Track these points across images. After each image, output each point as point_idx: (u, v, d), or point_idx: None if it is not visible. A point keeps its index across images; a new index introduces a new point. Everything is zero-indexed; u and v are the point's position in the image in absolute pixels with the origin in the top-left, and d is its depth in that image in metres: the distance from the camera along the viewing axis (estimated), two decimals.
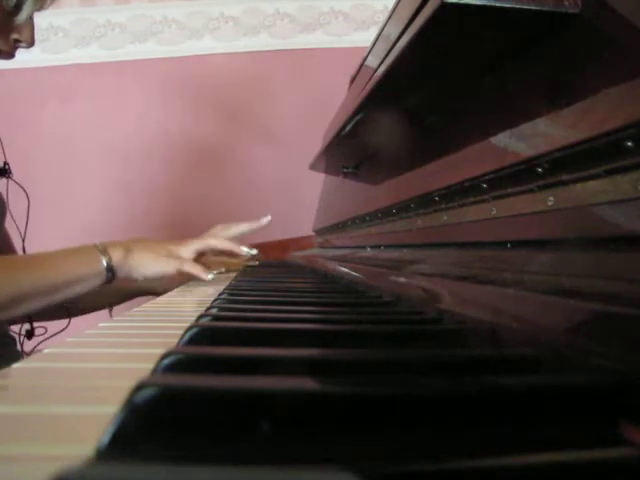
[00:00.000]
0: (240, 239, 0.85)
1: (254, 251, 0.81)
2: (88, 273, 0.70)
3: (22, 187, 0.89)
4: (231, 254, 0.85)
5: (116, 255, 0.72)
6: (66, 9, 1.63)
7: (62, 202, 1.60)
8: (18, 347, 0.84)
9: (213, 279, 0.75)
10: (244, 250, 0.81)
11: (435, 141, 0.50)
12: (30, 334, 0.84)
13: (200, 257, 0.80)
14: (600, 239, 0.24)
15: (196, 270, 0.75)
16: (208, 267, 0.78)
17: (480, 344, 0.27)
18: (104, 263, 0.70)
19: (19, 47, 0.82)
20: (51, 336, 0.86)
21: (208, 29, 1.63)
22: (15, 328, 0.85)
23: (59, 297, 0.68)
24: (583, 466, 0.13)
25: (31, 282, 0.65)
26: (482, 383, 0.18)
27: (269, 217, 0.87)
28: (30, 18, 0.79)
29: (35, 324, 0.85)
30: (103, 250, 0.71)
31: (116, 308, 0.96)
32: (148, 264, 0.74)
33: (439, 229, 0.45)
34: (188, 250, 0.78)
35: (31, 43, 0.82)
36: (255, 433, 0.15)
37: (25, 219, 0.89)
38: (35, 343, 0.82)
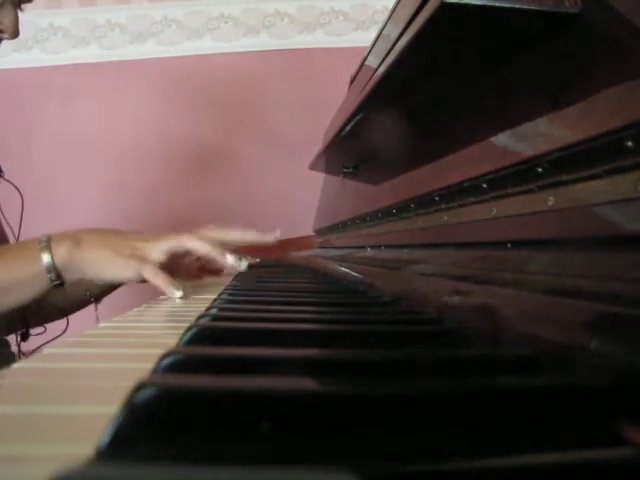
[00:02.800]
0: (230, 246, 0.64)
1: (243, 265, 0.60)
2: (24, 275, 0.57)
3: (15, 186, 0.88)
4: (211, 262, 0.66)
5: (60, 252, 0.56)
6: (66, 9, 1.63)
7: (60, 202, 1.60)
8: (12, 349, 0.82)
9: (180, 298, 0.54)
10: (229, 260, 0.59)
11: (435, 141, 0.50)
12: (25, 336, 0.82)
13: (173, 260, 0.60)
14: (600, 239, 0.24)
15: (158, 280, 0.55)
16: (176, 276, 0.59)
17: (480, 344, 0.27)
18: (44, 262, 0.56)
19: (1, 38, 0.74)
20: (49, 340, 0.85)
21: (208, 29, 1.63)
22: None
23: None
24: (583, 466, 0.13)
25: None
26: (482, 383, 0.18)
27: (277, 232, 0.65)
28: (12, 6, 0.72)
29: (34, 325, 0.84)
30: (45, 246, 0.56)
31: (116, 308, 0.94)
32: (101, 265, 0.57)
33: (439, 229, 0.45)
34: (156, 249, 0.58)
35: (13, 33, 0.74)
36: (255, 433, 0.15)
37: (19, 219, 0.87)
38: (34, 344, 0.82)
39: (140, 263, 0.57)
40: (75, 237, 0.58)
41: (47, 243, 0.57)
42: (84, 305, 0.87)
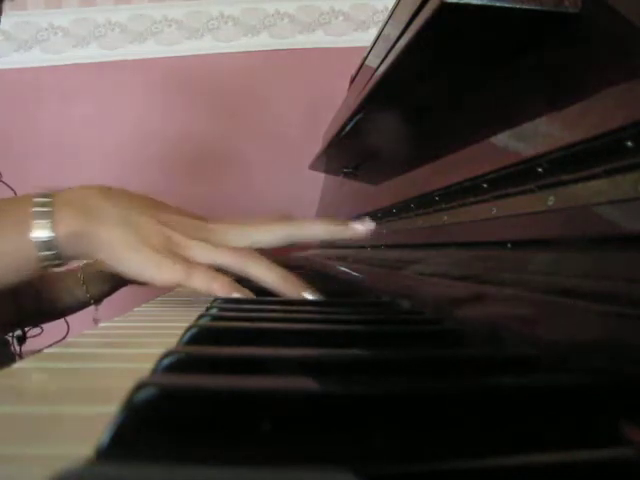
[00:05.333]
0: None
1: (308, 295, 0.43)
2: (7, 249, 0.39)
3: (12, 188, 0.87)
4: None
5: (66, 226, 0.39)
6: (66, 9, 1.63)
7: None
8: (11, 349, 0.82)
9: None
10: (297, 294, 0.43)
11: (435, 141, 0.50)
12: (21, 339, 0.80)
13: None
14: (600, 239, 0.24)
15: (216, 286, 0.40)
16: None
17: (480, 344, 0.27)
18: (39, 236, 0.39)
19: None
20: (51, 344, 0.84)
21: (208, 29, 1.63)
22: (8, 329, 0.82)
23: None
24: (583, 466, 0.13)
25: None
26: (482, 383, 0.18)
27: (372, 224, 0.46)
28: None
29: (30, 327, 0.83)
30: (43, 212, 0.39)
31: (116, 308, 0.93)
32: (124, 256, 0.40)
33: (439, 229, 0.45)
34: (206, 255, 0.42)
35: None
36: (255, 433, 0.15)
37: None
38: (35, 345, 0.82)
39: (181, 265, 0.40)
40: (88, 206, 0.41)
41: (47, 209, 0.39)
42: (84, 306, 0.83)
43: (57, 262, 0.41)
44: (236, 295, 0.40)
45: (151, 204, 0.45)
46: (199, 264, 0.41)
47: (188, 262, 0.41)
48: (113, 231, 0.41)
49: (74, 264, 0.79)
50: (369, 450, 0.15)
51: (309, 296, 0.43)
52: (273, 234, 0.45)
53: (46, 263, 0.41)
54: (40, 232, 0.39)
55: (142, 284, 0.53)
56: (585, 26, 0.27)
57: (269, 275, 0.43)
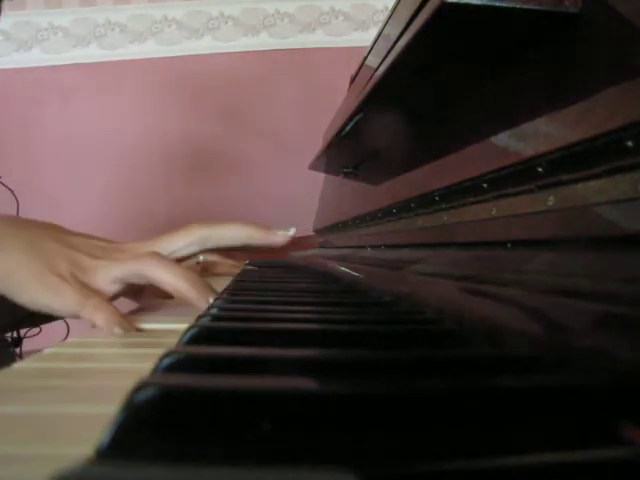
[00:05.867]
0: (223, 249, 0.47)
1: (210, 299, 0.40)
2: None
3: (11, 190, 0.87)
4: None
5: None
6: (66, 9, 1.63)
7: (60, 202, 1.60)
8: (11, 349, 0.81)
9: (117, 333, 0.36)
10: (201, 298, 0.39)
11: (435, 141, 0.50)
12: (17, 342, 0.79)
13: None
14: (600, 239, 0.24)
15: (97, 317, 0.36)
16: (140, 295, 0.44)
17: (480, 344, 0.27)
18: None
19: None
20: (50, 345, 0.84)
21: (208, 29, 1.63)
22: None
23: None
24: (583, 466, 0.13)
25: None
26: (482, 383, 0.18)
27: (292, 231, 0.47)
28: None
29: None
30: None
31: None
32: (28, 285, 0.37)
33: (439, 229, 0.45)
34: (105, 275, 0.40)
35: None
36: (255, 433, 0.15)
37: None
38: (35, 345, 0.82)
39: (79, 293, 0.37)
40: None
41: None
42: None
43: None
44: (116, 330, 0.36)
45: (57, 229, 0.42)
46: (95, 294, 0.38)
47: (87, 291, 0.38)
48: (17, 258, 0.37)
49: None
50: (369, 450, 0.15)
51: (204, 304, 0.40)
52: (181, 240, 0.44)
53: None
54: None
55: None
56: (585, 26, 0.27)
57: (172, 279, 0.39)
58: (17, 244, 0.38)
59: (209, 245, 0.45)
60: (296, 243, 0.49)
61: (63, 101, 1.64)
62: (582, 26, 0.28)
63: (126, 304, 0.71)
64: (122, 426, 0.14)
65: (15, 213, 0.86)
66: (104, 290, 0.40)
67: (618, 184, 0.23)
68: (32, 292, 0.37)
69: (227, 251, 0.48)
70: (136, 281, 0.41)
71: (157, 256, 0.40)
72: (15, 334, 0.80)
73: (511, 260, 0.30)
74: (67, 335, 0.87)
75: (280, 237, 0.46)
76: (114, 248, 0.43)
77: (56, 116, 1.63)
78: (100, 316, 0.36)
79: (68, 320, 0.88)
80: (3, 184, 0.85)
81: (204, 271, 0.73)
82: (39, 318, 0.80)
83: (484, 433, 0.16)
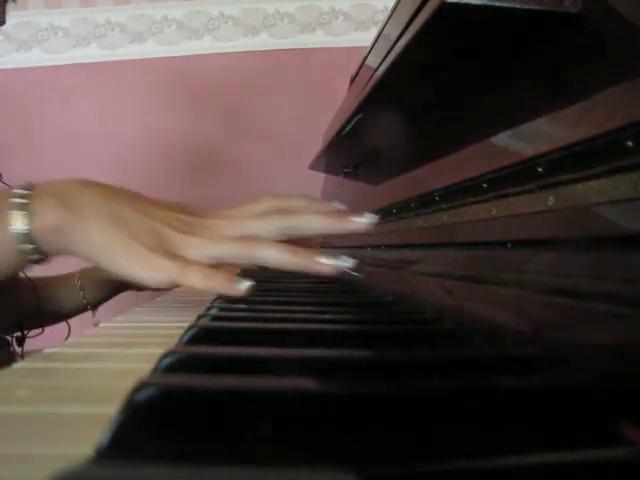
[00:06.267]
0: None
1: (347, 263, 0.39)
2: None
3: (12, 188, 0.87)
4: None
5: (43, 217, 0.38)
6: (66, 9, 1.63)
7: None
8: (11, 349, 0.81)
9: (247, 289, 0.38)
10: (325, 264, 0.39)
11: (435, 141, 0.50)
12: (20, 340, 0.80)
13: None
14: (600, 239, 0.24)
15: (214, 283, 0.38)
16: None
17: (480, 344, 0.27)
18: (16, 229, 0.37)
19: None
20: (51, 345, 0.83)
21: (208, 29, 1.63)
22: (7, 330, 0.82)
23: None
24: (583, 466, 0.13)
25: None
26: (482, 383, 0.18)
27: (375, 217, 0.42)
28: None
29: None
30: (22, 203, 0.38)
31: (116, 308, 0.93)
32: (108, 250, 0.38)
33: (439, 229, 0.45)
34: (202, 251, 0.39)
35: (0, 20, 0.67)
36: (255, 433, 0.15)
37: None
38: (35, 345, 0.81)
39: (172, 262, 0.37)
40: (67, 196, 0.38)
41: (25, 201, 0.38)
42: (81, 311, 0.82)
43: (37, 257, 0.39)
44: (237, 288, 0.37)
45: (141, 198, 0.42)
46: (194, 261, 0.38)
47: (182, 259, 0.38)
48: (96, 224, 0.38)
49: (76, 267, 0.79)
50: (369, 450, 0.15)
51: (325, 261, 0.39)
52: (270, 226, 0.42)
53: (27, 257, 0.39)
54: (17, 224, 0.37)
55: (141, 289, 0.50)
56: (585, 26, 0.27)
57: (280, 256, 0.39)
58: (94, 209, 0.38)
59: (287, 234, 0.43)
60: (296, 243, 0.48)
61: (63, 101, 1.63)
62: (582, 26, 0.28)
63: (126, 304, 0.71)
64: (122, 426, 0.14)
65: None
66: (198, 261, 0.39)
67: (618, 184, 0.23)
68: (119, 263, 0.38)
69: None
70: (230, 261, 0.40)
71: (255, 238, 0.40)
72: (20, 333, 0.80)
73: (511, 260, 0.30)
74: (68, 334, 0.87)
75: (361, 222, 0.41)
76: (197, 224, 0.41)
77: (56, 116, 1.63)
78: (215, 280, 0.37)
79: (69, 320, 0.88)
80: (5, 183, 0.85)
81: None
82: (43, 319, 0.80)
83: (484, 433, 0.16)
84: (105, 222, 0.38)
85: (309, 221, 0.42)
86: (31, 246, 0.38)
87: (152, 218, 0.40)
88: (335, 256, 0.40)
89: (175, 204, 0.43)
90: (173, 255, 0.38)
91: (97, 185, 0.41)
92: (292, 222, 0.42)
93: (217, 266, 0.40)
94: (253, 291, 0.39)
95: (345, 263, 0.40)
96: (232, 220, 0.43)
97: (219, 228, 0.42)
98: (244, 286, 0.38)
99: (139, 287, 0.64)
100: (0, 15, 0.70)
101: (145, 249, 0.37)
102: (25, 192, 0.39)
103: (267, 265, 0.40)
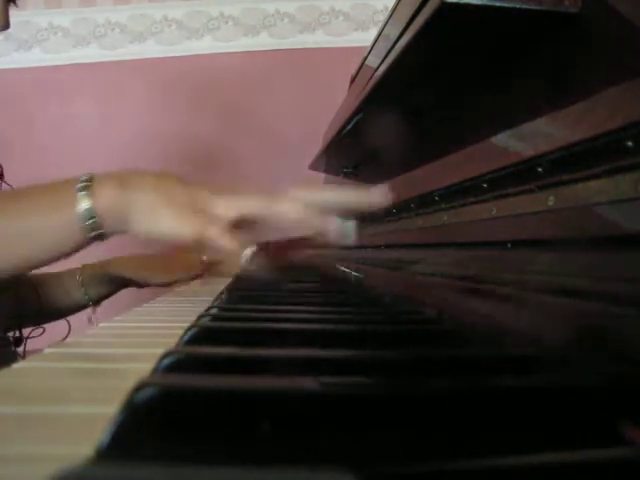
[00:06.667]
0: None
1: (350, 227, 0.46)
2: (55, 221, 0.45)
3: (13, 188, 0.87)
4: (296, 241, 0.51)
5: (103, 195, 0.45)
6: (66, 9, 1.63)
7: None
8: (12, 348, 0.81)
9: (247, 260, 0.47)
10: (334, 226, 0.45)
11: (435, 141, 0.50)
12: (18, 341, 0.80)
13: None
14: (600, 239, 0.24)
15: (226, 242, 0.43)
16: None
17: (480, 344, 0.27)
18: (82, 207, 0.44)
19: None
20: (51, 345, 0.83)
21: (208, 29, 1.63)
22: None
23: (24, 254, 0.47)
24: (583, 466, 0.13)
25: None
26: (482, 383, 0.18)
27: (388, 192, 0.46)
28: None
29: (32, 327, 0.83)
30: (85, 186, 0.45)
31: (116, 308, 0.92)
32: (154, 215, 0.45)
33: (439, 229, 0.45)
34: (226, 205, 0.46)
35: (2, 25, 0.70)
36: (255, 433, 0.15)
37: None
38: (35, 345, 0.81)
39: (203, 222, 0.44)
40: (122, 178, 0.47)
41: (88, 183, 0.45)
42: (82, 308, 0.83)
43: (99, 232, 0.45)
44: (244, 251, 0.45)
45: (176, 176, 0.49)
46: (217, 220, 0.45)
47: (208, 219, 0.45)
48: (147, 196, 0.46)
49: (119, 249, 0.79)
50: (369, 450, 0.15)
51: (331, 224, 0.45)
52: (302, 198, 0.47)
53: (89, 235, 0.45)
54: (83, 203, 0.44)
55: (141, 286, 0.53)
56: (585, 26, 0.27)
57: (294, 210, 0.45)
58: (146, 185, 0.46)
59: (315, 205, 0.47)
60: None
61: (63, 101, 1.63)
62: (582, 26, 0.28)
63: (126, 304, 0.71)
64: (122, 426, 0.14)
65: None
66: (223, 217, 0.45)
67: (618, 184, 0.23)
68: (163, 223, 0.45)
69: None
70: (253, 213, 0.46)
71: (274, 195, 0.47)
72: (18, 333, 0.80)
73: (511, 260, 0.30)
74: (68, 334, 0.87)
75: (378, 195, 0.46)
76: (227, 188, 0.48)
77: (56, 116, 1.63)
78: (226, 240, 0.43)
79: (69, 319, 0.88)
80: (6, 183, 0.86)
81: (206, 270, 0.74)
82: (44, 316, 0.81)
83: (484, 433, 0.16)
84: (153, 193, 0.46)
85: (332, 196, 0.48)
86: (93, 223, 0.44)
87: (188, 186, 0.47)
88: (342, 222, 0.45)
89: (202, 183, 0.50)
90: (203, 215, 0.45)
91: (145, 170, 0.49)
92: (314, 196, 0.47)
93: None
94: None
95: (348, 233, 0.46)
96: (262, 195, 0.49)
97: (234, 191, 0.49)
98: (251, 249, 0.46)
99: (139, 285, 0.71)
100: (3, 18, 0.71)
101: (180, 210, 0.45)
102: (87, 176, 0.46)
103: (285, 222, 0.46)
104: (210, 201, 0.45)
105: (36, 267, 0.50)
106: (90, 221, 0.44)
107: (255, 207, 0.46)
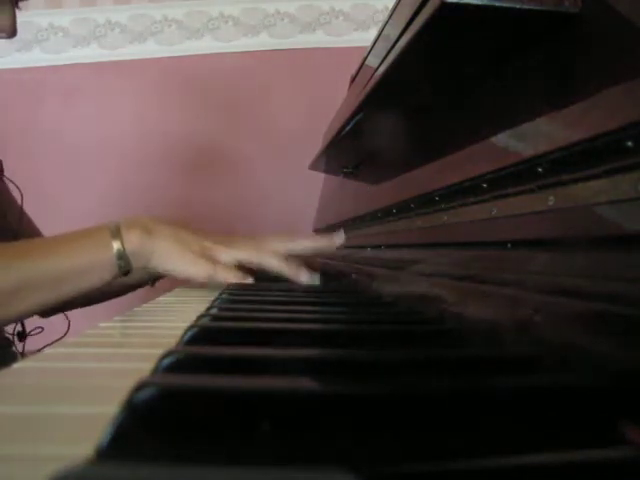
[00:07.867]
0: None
1: (316, 279, 0.67)
2: (94, 262, 0.56)
3: (14, 183, 0.88)
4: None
5: (131, 239, 0.57)
6: (66, 9, 1.63)
7: (60, 202, 1.60)
8: (13, 348, 0.82)
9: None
10: (303, 278, 0.65)
11: (435, 141, 0.50)
12: (22, 335, 0.81)
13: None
14: (600, 239, 0.24)
15: (230, 278, 0.60)
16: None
17: (480, 344, 0.27)
18: (115, 249, 0.56)
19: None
20: (52, 342, 0.83)
21: (208, 29, 1.63)
22: (8, 329, 0.82)
23: (64, 292, 0.56)
24: (583, 466, 0.13)
25: (29, 272, 0.54)
26: (482, 383, 0.18)
27: (342, 235, 0.72)
28: (9, 4, 0.74)
29: (31, 326, 0.83)
30: (115, 232, 0.57)
31: (116, 308, 0.93)
32: (173, 259, 0.59)
33: (439, 229, 0.45)
34: (228, 255, 0.62)
35: (11, 32, 0.76)
36: (255, 433, 0.15)
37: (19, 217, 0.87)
38: (35, 345, 0.81)
39: (211, 266, 0.60)
40: (146, 225, 0.59)
41: (117, 230, 0.57)
42: (69, 308, 0.86)
43: (127, 269, 0.58)
44: (246, 280, 0.61)
45: (188, 227, 0.64)
46: (224, 264, 0.61)
47: (215, 262, 0.61)
48: (166, 242, 0.59)
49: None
50: (369, 450, 0.15)
51: (304, 278, 0.65)
52: (283, 248, 0.67)
53: (121, 270, 0.57)
54: (116, 246, 0.57)
55: (154, 283, 0.72)
56: (585, 26, 0.27)
57: (278, 264, 0.64)
58: (166, 235, 0.60)
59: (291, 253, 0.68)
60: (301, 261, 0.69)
61: (63, 101, 1.63)
62: (582, 26, 0.28)
63: (126, 304, 0.72)
64: (122, 426, 0.14)
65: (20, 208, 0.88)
66: (228, 264, 0.62)
67: (618, 184, 0.23)
68: (174, 263, 0.59)
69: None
70: (247, 264, 0.64)
71: (266, 252, 0.65)
72: (20, 328, 0.81)
73: (511, 260, 0.30)
74: (67, 331, 0.87)
75: (338, 240, 0.72)
76: (229, 240, 0.65)
77: (56, 116, 1.63)
78: (232, 274, 0.60)
79: (69, 319, 0.89)
80: (9, 179, 0.86)
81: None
82: (86, 300, 0.84)
83: (484, 433, 0.16)
84: (172, 241, 0.60)
85: (303, 244, 0.69)
86: (124, 262, 0.57)
87: (200, 238, 0.63)
88: (311, 275, 0.66)
89: (213, 234, 0.66)
90: (212, 260, 0.61)
91: (163, 220, 0.63)
92: (293, 246, 0.68)
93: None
94: (255, 289, 0.55)
95: (314, 280, 0.67)
96: (255, 243, 0.67)
97: (244, 243, 0.66)
98: (250, 280, 0.62)
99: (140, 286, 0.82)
100: (11, 25, 0.73)
101: (195, 256, 0.60)
102: (116, 224, 0.58)
103: (269, 270, 0.65)
104: (216, 250, 0.62)
105: (75, 298, 0.58)
106: (121, 261, 0.57)
107: (247, 258, 0.64)
